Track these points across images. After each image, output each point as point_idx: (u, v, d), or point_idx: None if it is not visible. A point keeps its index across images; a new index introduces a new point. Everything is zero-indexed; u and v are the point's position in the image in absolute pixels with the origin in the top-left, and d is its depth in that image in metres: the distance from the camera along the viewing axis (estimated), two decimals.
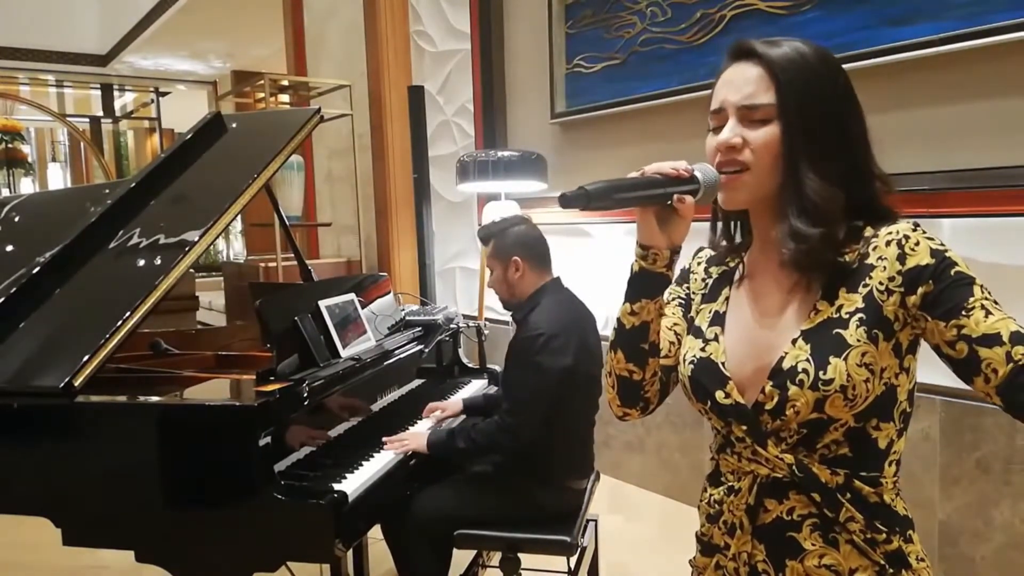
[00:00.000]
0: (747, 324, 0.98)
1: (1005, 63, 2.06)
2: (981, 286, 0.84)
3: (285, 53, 5.87)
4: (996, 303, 0.83)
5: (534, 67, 3.66)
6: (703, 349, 0.99)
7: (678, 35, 2.95)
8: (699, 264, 1.11)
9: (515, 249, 2.05)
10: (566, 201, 0.88)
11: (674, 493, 3.19)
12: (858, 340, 0.87)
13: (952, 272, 0.84)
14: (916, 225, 0.89)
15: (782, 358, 0.90)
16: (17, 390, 1.64)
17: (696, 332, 1.03)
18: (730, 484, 0.98)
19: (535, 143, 3.61)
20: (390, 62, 4.53)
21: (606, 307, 3.40)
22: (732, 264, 1.06)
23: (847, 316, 0.88)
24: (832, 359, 0.86)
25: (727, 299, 1.03)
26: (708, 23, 2.83)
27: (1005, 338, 0.80)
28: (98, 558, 2.54)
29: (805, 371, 0.87)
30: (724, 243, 1.05)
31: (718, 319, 1.01)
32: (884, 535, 0.90)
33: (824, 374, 0.86)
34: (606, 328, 3.40)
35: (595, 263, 3.46)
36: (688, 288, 1.10)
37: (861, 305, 0.88)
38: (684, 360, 1.01)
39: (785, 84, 0.89)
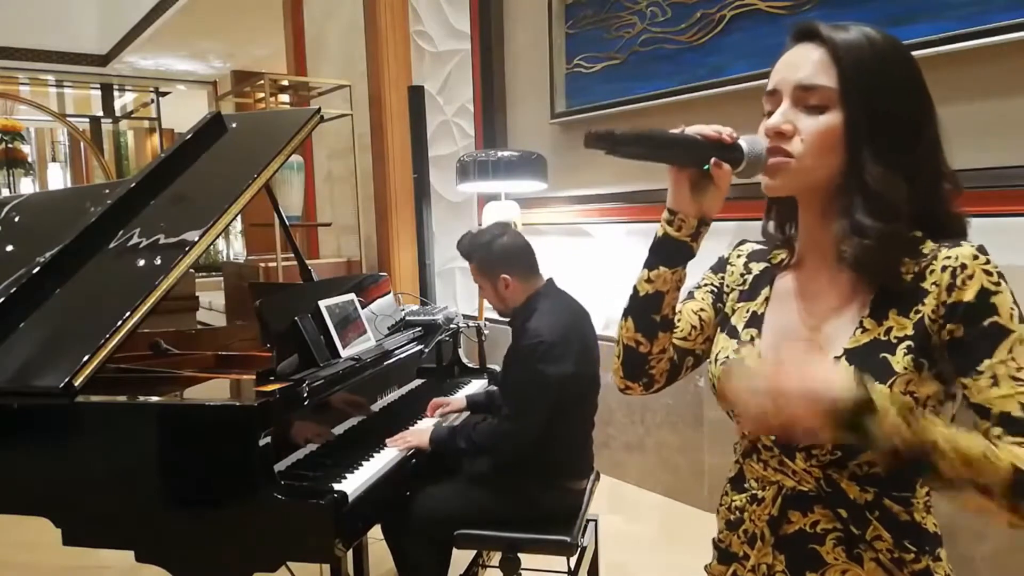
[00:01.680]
0: (786, 329, 0.94)
1: (1005, 63, 2.06)
2: (1013, 345, 0.79)
3: (285, 53, 5.86)
4: (1021, 368, 0.79)
5: (534, 67, 3.66)
6: (736, 351, 0.95)
7: (678, 35, 2.95)
8: (739, 257, 1.06)
9: (500, 265, 2.01)
10: (590, 140, 0.83)
11: (674, 493, 3.19)
12: (904, 368, 0.82)
13: (986, 322, 0.80)
14: (979, 253, 0.82)
15: None
16: (17, 390, 1.64)
17: (731, 332, 0.99)
18: (753, 492, 0.95)
19: (535, 143, 3.61)
20: (390, 62, 4.53)
21: (606, 307, 3.40)
22: (775, 261, 1.01)
23: (895, 341, 0.84)
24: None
25: (767, 300, 0.98)
26: (708, 23, 2.83)
27: (991, 416, 0.79)
28: (98, 558, 2.53)
29: None
30: (773, 229, 1.00)
31: (755, 320, 0.97)
32: (913, 555, 0.87)
33: None
34: (607, 329, 3.40)
35: (595, 263, 3.46)
36: (723, 279, 1.05)
37: (911, 332, 0.83)
38: (715, 360, 0.98)
39: (849, 69, 0.84)
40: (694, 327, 1.03)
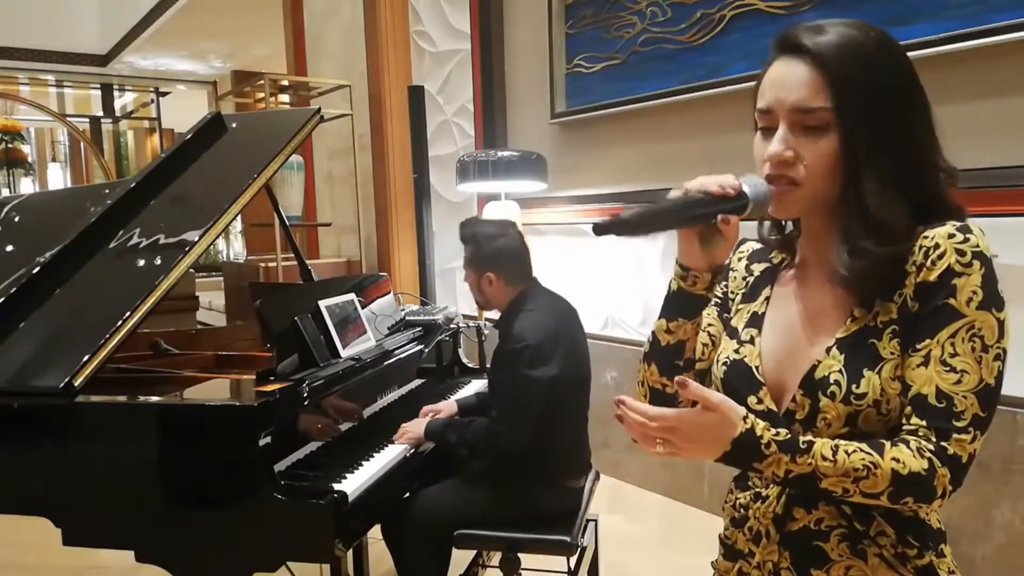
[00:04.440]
0: (786, 327, 0.94)
1: (1005, 63, 2.06)
2: (958, 331, 0.80)
3: (285, 53, 5.87)
4: (956, 355, 0.80)
5: (534, 67, 3.66)
6: (737, 351, 0.96)
7: (678, 35, 2.95)
8: (740, 260, 1.06)
9: (490, 264, 2.01)
10: (601, 230, 0.81)
11: (674, 493, 3.19)
12: (891, 353, 0.83)
13: (940, 302, 0.81)
14: (957, 232, 0.82)
15: (815, 367, 0.87)
16: (17, 390, 1.64)
17: (731, 332, 1.00)
18: (757, 490, 0.96)
19: (535, 143, 3.61)
20: (390, 62, 4.53)
21: (606, 307, 3.40)
22: (776, 261, 1.01)
23: (882, 326, 0.85)
24: (866, 372, 0.83)
25: (767, 299, 0.98)
26: (708, 23, 2.83)
27: (909, 394, 0.82)
28: (98, 558, 2.54)
29: (837, 383, 0.84)
30: (773, 237, 1.01)
31: (756, 320, 0.98)
32: (916, 550, 0.87)
33: (857, 388, 0.83)
34: (605, 328, 3.40)
35: (595, 263, 3.46)
36: (727, 287, 1.06)
37: (895, 316, 0.84)
38: (717, 361, 0.98)
39: (841, 85, 0.82)
40: (705, 345, 1.03)
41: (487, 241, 2.02)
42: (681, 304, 0.94)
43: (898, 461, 0.79)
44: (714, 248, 0.90)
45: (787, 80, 0.86)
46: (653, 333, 0.98)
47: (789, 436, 0.81)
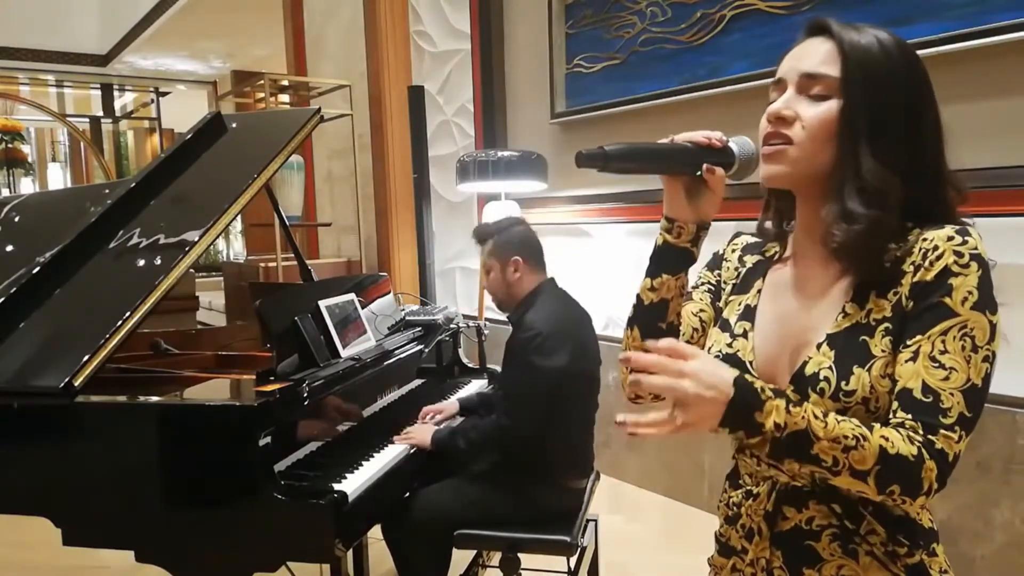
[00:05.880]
0: (777, 321, 0.94)
1: (1005, 63, 2.06)
2: (950, 329, 0.80)
3: (285, 53, 5.87)
4: (946, 352, 0.80)
5: (534, 67, 3.66)
6: (730, 345, 0.96)
7: (678, 35, 2.95)
8: (733, 251, 1.06)
9: (516, 249, 2.05)
10: (582, 160, 0.83)
11: (674, 493, 3.19)
12: (883, 351, 0.83)
13: (935, 300, 0.81)
14: (956, 235, 0.82)
15: (805, 363, 0.87)
16: (17, 390, 1.64)
17: (723, 325, 0.99)
18: (748, 488, 0.96)
19: (535, 143, 3.61)
20: (390, 62, 4.53)
21: (606, 307, 3.40)
22: (768, 254, 1.02)
23: (874, 323, 0.85)
24: (856, 369, 0.83)
25: (759, 292, 0.98)
26: (708, 23, 2.83)
27: (895, 388, 0.82)
28: (98, 558, 2.53)
29: (827, 379, 0.84)
30: (770, 226, 1.00)
31: (748, 313, 0.97)
32: (906, 548, 0.87)
33: (846, 384, 0.83)
34: (606, 329, 3.40)
35: (595, 263, 3.46)
36: (719, 275, 1.06)
37: (889, 314, 0.84)
38: (708, 354, 0.98)
39: (853, 60, 0.85)
40: (695, 329, 1.03)
41: (508, 229, 2.09)
42: (665, 258, 0.95)
43: (887, 440, 0.78)
44: (700, 201, 0.92)
45: (806, 53, 0.89)
46: (637, 295, 0.98)
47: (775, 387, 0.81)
